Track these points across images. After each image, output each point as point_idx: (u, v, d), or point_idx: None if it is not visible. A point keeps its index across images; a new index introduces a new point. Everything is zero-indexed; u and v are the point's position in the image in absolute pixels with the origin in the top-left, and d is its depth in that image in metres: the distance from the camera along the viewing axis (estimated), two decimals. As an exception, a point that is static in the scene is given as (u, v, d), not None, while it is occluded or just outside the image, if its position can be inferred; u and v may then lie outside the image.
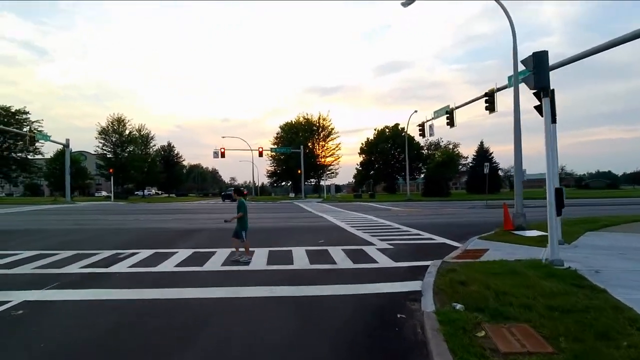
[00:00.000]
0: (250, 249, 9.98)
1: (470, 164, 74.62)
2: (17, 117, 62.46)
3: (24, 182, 70.80)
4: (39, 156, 66.84)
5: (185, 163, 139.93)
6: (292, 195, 68.86)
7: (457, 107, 25.66)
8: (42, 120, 63.46)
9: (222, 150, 52.21)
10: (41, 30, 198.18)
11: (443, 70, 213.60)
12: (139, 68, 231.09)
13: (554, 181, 7.66)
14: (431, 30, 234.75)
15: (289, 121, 76.54)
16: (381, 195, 66.03)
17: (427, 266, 7.93)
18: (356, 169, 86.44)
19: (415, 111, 45.28)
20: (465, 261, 8.28)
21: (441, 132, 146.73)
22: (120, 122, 62.43)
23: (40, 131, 63.74)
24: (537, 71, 7.49)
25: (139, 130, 69.06)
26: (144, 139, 69.67)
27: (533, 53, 7.58)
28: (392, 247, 10.88)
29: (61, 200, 53.88)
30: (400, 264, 8.59)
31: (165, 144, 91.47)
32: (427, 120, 31.34)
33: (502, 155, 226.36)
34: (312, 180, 78.04)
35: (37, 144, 65.23)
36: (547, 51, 7.50)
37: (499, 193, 64.96)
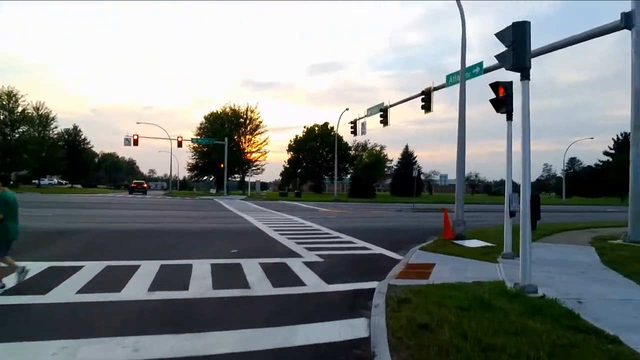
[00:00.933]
0: (137, 262, 7.39)
1: (395, 167, 76.23)
2: None
3: None
4: None
5: (97, 151, 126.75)
6: (213, 191, 64.32)
7: (392, 105, 24.68)
8: None
9: (135, 137, 46.82)
10: None
11: (374, 75, 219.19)
12: (48, 40, 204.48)
13: (527, 186, 6.14)
14: (364, 35, 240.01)
15: (214, 111, 72.15)
16: (308, 195, 64.58)
17: (370, 290, 6.05)
18: (283, 166, 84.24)
19: (347, 109, 44.38)
20: (416, 283, 6.51)
21: (367, 134, 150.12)
22: (10, 96, 52.77)
23: None
24: (516, 46, 5.90)
25: (37, 109, 59.64)
26: (43, 120, 60.36)
27: (513, 23, 5.99)
28: (322, 259, 8.87)
29: None
30: (334, 287, 6.56)
31: (71, 127, 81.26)
32: (360, 118, 30.19)
33: (424, 160, 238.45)
34: (237, 175, 74.36)
35: None
36: (529, 22, 5.96)
37: (421, 196, 66.96)
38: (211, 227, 14.88)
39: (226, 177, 55.35)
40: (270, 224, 16.23)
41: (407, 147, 76.15)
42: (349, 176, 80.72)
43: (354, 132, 31.61)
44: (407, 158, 74.06)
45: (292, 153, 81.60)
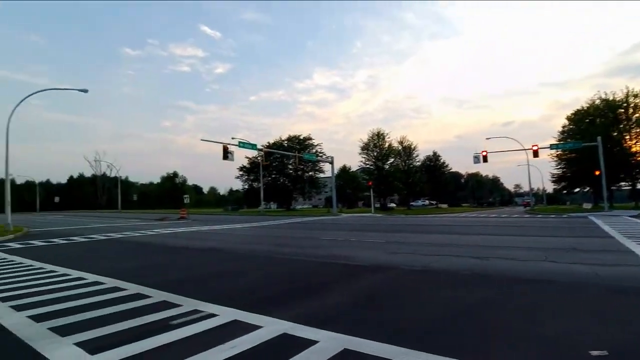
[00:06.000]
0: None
1: None
2: (305, 142, 74.26)
3: (308, 195, 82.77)
4: (322, 175, 76.98)
5: (463, 172, 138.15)
6: (588, 205, 50.77)
7: None
8: (322, 143, 72.74)
9: (484, 153, 43.97)
10: (340, 74, 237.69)
11: None
12: (423, 91, 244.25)
13: None
14: None
15: (579, 108, 59.17)
16: None
17: None
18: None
19: None
20: None
21: None
22: (379, 136, 64.16)
23: (322, 153, 73.50)
24: None
25: (401, 143, 69.25)
26: (406, 151, 69.21)
27: None
28: None
29: (322, 211, 60.24)
30: None
31: (431, 153, 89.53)
32: None
33: None
34: (624, 183, 57.08)
35: (320, 164, 75.63)
36: None
37: None
38: (576, 272, 9.20)
39: (605, 186, 42.54)
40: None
41: None
42: None
43: None
44: None
45: None
